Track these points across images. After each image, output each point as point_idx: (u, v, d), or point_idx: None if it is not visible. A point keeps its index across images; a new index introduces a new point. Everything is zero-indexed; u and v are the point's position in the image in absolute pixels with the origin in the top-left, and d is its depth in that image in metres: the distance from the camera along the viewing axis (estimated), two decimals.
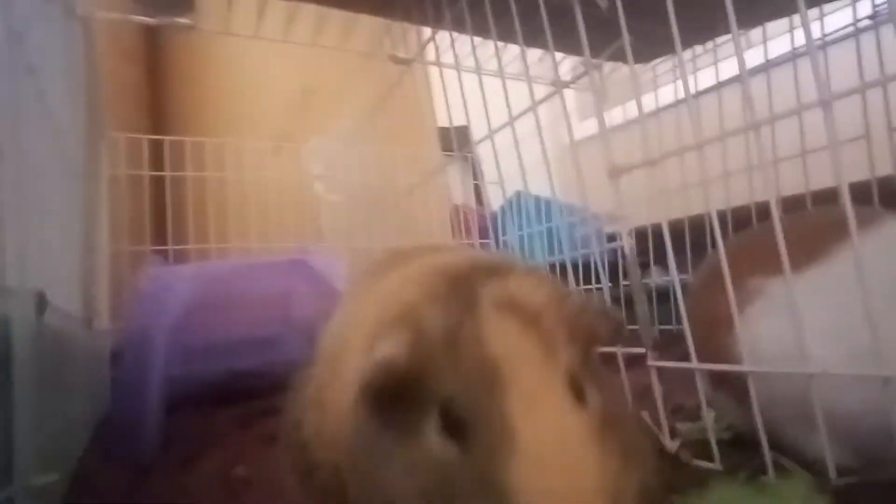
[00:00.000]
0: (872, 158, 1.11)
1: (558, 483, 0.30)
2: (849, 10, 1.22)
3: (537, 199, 2.17)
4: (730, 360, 0.63)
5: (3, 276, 0.43)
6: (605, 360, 0.83)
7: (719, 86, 1.40)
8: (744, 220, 1.27)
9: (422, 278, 0.41)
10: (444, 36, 1.11)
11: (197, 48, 1.95)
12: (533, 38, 0.90)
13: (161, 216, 1.70)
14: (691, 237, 1.42)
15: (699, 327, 0.69)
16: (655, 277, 1.58)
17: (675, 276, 0.66)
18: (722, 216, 1.34)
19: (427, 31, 1.20)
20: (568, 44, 0.90)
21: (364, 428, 0.38)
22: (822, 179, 1.18)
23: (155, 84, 2.09)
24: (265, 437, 0.88)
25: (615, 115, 1.67)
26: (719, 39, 1.40)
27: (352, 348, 0.43)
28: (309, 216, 1.79)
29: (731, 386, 0.65)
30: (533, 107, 0.87)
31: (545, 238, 1.86)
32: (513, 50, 1.03)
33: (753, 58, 1.31)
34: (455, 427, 0.33)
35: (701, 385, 0.66)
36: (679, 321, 0.68)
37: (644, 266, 1.69)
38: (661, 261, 1.49)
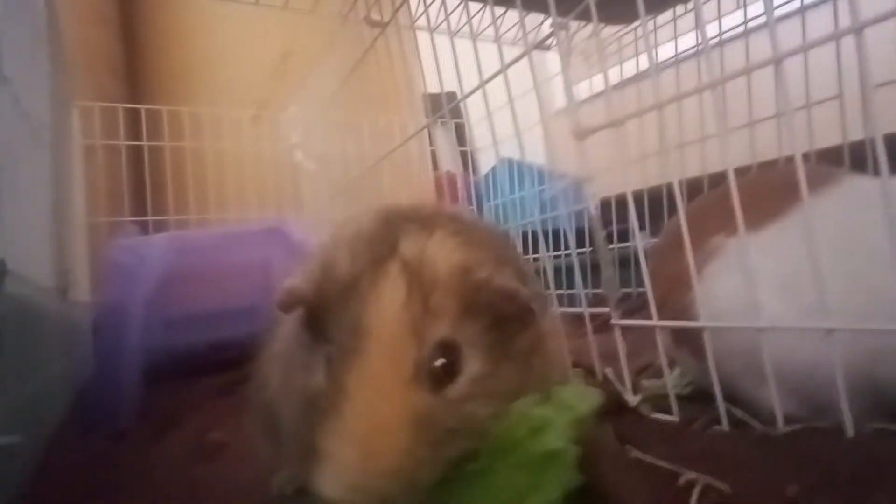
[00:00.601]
0: (845, 121, 1.12)
1: (356, 456, 0.32)
2: None
3: (520, 167, 2.17)
4: (690, 318, 0.65)
5: None
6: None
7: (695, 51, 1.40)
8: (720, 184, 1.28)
9: (363, 220, 0.42)
10: None
11: (172, 12, 1.90)
12: None
13: (140, 187, 1.68)
14: (669, 203, 1.43)
15: (662, 287, 0.70)
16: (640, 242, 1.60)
17: (638, 240, 0.67)
18: (698, 182, 1.36)
19: None
20: (539, 3, 0.89)
21: (287, 346, 0.43)
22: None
23: (129, 50, 2.03)
24: (243, 404, 0.90)
25: (594, 83, 1.66)
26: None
27: None
28: (288, 185, 1.78)
29: (691, 342, 0.67)
30: (503, 69, 0.86)
31: (518, 205, 1.87)
32: (488, 12, 1.02)
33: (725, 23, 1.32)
34: (329, 366, 0.37)
35: (661, 342, 0.68)
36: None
37: (626, 232, 1.71)
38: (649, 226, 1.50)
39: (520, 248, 0.93)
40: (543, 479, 0.35)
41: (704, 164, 1.38)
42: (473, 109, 0.99)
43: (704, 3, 1.29)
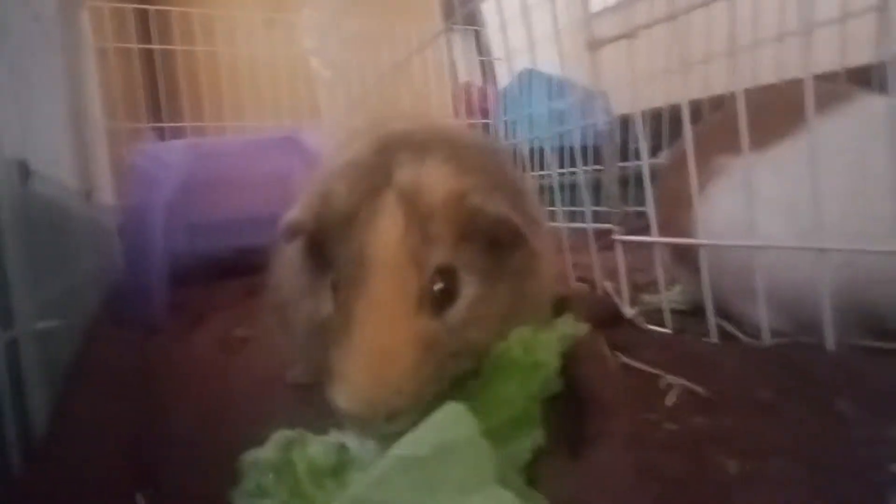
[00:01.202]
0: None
1: (368, 376, 0.36)
2: None
3: (539, 79, 2.09)
4: (691, 237, 0.66)
5: None
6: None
7: None
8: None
9: (359, 148, 0.44)
10: None
11: None
12: None
13: (155, 93, 1.68)
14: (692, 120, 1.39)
15: (666, 205, 0.71)
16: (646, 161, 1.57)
17: (644, 159, 0.67)
18: (721, 99, 1.31)
19: None
20: None
21: (293, 269, 0.46)
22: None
23: None
24: (263, 305, 0.95)
25: None
26: None
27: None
28: (304, 92, 1.76)
29: (689, 260, 0.69)
30: None
31: (532, 119, 1.82)
32: None
33: None
34: (335, 291, 0.40)
35: (660, 259, 0.70)
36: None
37: (657, 149, 1.68)
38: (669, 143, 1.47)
39: (528, 165, 0.93)
40: (530, 387, 0.38)
41: (731, 80, 1.31)
42: (491, 17, 0.95)
43: None
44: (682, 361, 0.56)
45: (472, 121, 2.07)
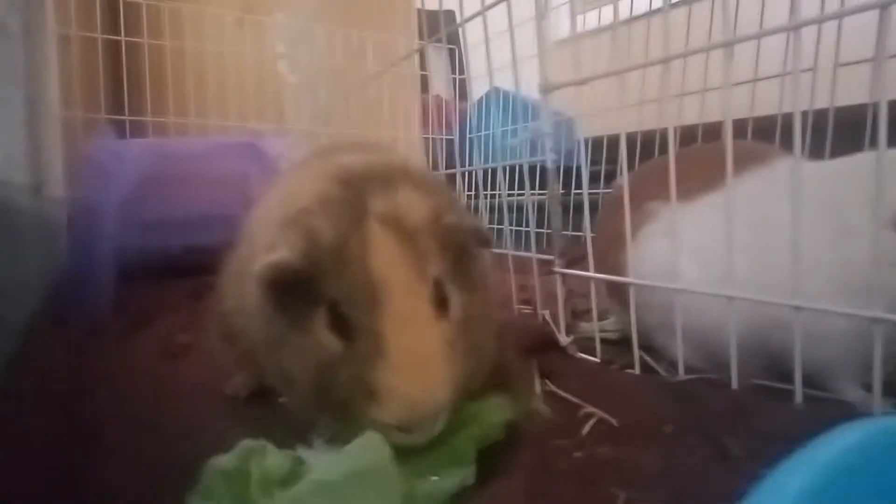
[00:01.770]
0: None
1: (413, 382, 0.39)
2: None
3: (507, 99, 2.14)
4: (622, 274, 0.71)
5: None
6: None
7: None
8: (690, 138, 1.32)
9: (323, 183, 0.46)
10: None
11: None
12: None
13: (117, 84, 1.64)
14: (660, 146, 1.46)
15: (604, 241, 0.76)
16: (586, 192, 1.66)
17: (585, 190, 0.72)
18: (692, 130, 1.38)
19: None
20: None
21: (266, 312, 0.45)
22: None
23: None
24: (208, 311, 0.96)
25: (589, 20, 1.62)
26: None
27: (261, 237, 0.49)
28: (271, 96, 1.76)
29: (621, 295, 0.73)
30: None
31: (482, 143, 1.88)
32: None
33: None
34: (339, 324, 0.41)
35: (595, 292, 0.75)
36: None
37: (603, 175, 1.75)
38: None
39: (481, 184, 0.96)
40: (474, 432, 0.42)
41: (703, 111, 1.37)
42: (471, 35, 0.95)
43: None
44: (603, 392, 0.61)
45: (435, 135, 2.11)
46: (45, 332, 0.78)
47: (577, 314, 0.94)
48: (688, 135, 1.39)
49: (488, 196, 1.22)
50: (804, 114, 1.13)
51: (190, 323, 0.90)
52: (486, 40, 0.87)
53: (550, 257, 0.78)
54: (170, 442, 0.52)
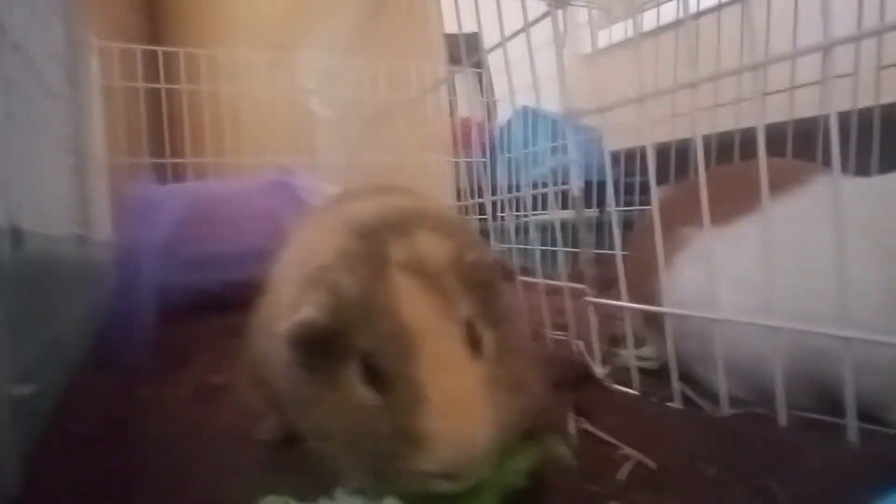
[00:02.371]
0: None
1: (458, 426, 0.37)
2: None
3: (535, 118, 2.13)
4: (658, 302, 0.68)
5: None
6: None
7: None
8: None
9: (340, 238, 0.46)
10: None
11: None
12: None
13: (158, 129, 1.72)
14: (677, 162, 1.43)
15: (637, 269, 0.74)
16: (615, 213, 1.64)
17: (612, 209, 0.70)
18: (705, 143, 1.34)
19: None
20: None
21: (295, 371, 0.44)
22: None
23: None
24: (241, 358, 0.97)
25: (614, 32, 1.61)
26: None
27: (284, 294, 0.49)
28: (304, 131, 1.80)
29: (658, 324, 0.71)
30: (526, 27, 0.80)
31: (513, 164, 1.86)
32: None
33: None
34: (373, 377, 0.40)
35: (629, 321, 0.72)
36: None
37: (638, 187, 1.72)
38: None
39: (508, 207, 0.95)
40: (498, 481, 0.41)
41: (737, 120, 1.33)
42: (494, 59, 0.94)
43: None
44: (641, 429, 0.58)
45: (468, 158, 2.11)
46: (87, 377, 0.80)
47: (614, 340, 0.91)
48: (726, 140, 1.36)
49: (517, 217, 1.21)
50: (846, 119, 1.09)
51: (224, 363, 0.92)
52: (507, 67, 0.87)
53: (581, 286, 0.76)
54: (199, 490, 0.52)
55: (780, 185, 0.60)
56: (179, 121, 1.72)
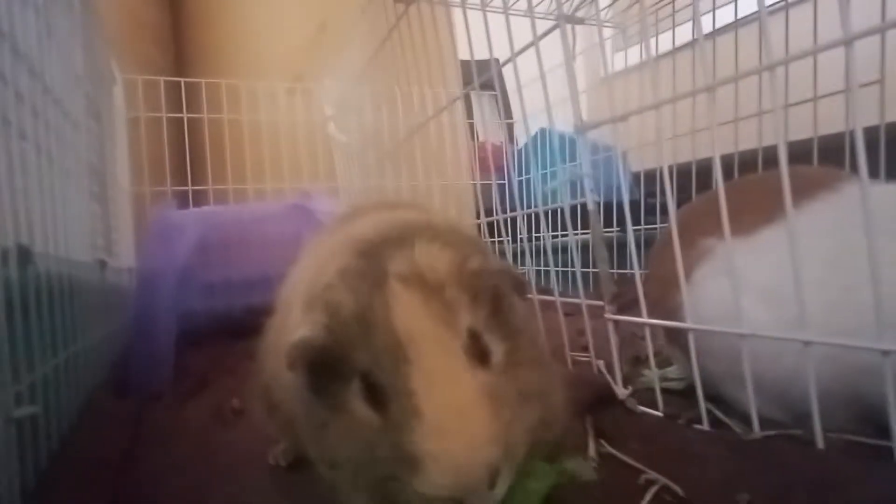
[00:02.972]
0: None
1: (457, 445, 0.35)
2: None
3: (561, 137, 2.12)
4: (680, 318, 0.65)
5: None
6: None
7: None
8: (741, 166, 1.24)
9: (341, 257, 0.45)
10: None
11: None
12: None
13: (181, 157, 1.76)
14: (698, 182, 1.40)
15: (658, 284, 0.71)
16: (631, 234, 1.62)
17: (629, 230, 0.67)
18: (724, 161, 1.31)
19: None
20: None
21: (303, 395, 0.43)
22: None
23: (175, 22, 2.10)
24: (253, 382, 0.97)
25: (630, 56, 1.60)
26: None
27: (291, 314, 0.48)
28: (323, 156, 1.83)
29: (681, 342, 0.68)
30: (535, 41, 0.81)
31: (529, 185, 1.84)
32: None
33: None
34: (373, 395, 0.39)
35: (650, 339, 0.69)
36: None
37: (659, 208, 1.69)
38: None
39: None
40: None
41: (760, 138, 1.30)
42: (510, 82, 0.95)
43: None
44: (667, 452, 0.55)
45: (486, 180, 2.10)
46: (105, 401, 0.80)
47: (639, 361, 0.88)
48: (748, 159, 1.33)
49: (534, 238, 1.19)
50: (873, 133, 1.05)
51: (243, 387, 0.91)
52: (519, 87, 0.86)
53: (600, 303, 0.74)
54: None
55: (807, 191, 0.58)
56: (202, 148, 1.75)
